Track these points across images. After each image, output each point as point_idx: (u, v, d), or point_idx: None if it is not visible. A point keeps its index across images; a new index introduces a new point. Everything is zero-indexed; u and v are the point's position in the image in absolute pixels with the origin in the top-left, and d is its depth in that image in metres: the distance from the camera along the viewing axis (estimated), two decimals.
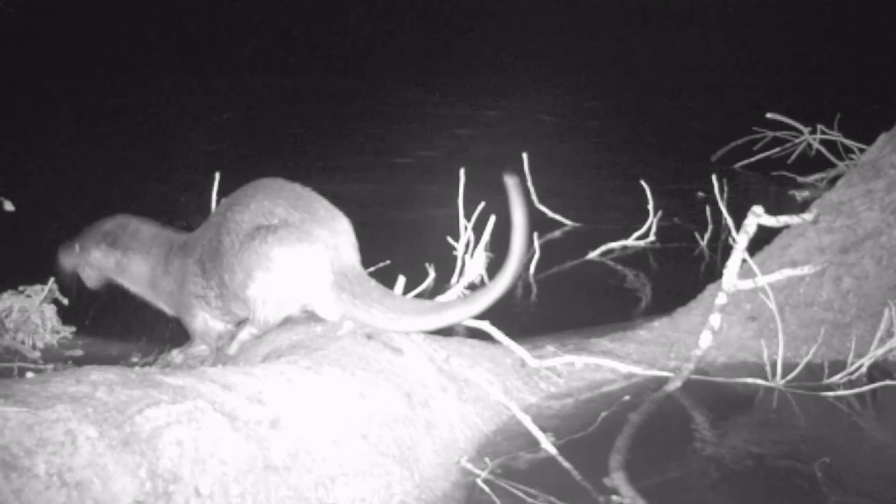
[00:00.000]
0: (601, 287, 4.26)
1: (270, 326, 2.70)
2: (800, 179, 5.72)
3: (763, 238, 3.44)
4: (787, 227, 3.47)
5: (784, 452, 2.70)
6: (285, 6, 12.19)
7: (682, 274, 4.38)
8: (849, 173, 3.80)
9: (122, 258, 2.90)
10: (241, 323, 2.81)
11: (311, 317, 2.73)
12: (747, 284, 3.19)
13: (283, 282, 2.62)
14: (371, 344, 2.63)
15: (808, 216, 3.42)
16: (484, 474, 2.46)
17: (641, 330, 3.35)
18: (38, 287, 3.27)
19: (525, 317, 3.92)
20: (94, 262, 2.94)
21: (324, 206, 2.71)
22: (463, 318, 2.74)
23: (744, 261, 3.22)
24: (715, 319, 3.14)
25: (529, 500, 2.38)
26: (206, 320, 2.83)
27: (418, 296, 3.32)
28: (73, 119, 7.20)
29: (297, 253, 2.60)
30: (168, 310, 2.95)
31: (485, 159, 5.48)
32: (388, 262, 3.56)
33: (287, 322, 2.72)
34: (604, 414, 2.81)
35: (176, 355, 2.90)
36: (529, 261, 4.27)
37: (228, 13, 11.83)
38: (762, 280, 3.19)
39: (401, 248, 4.00)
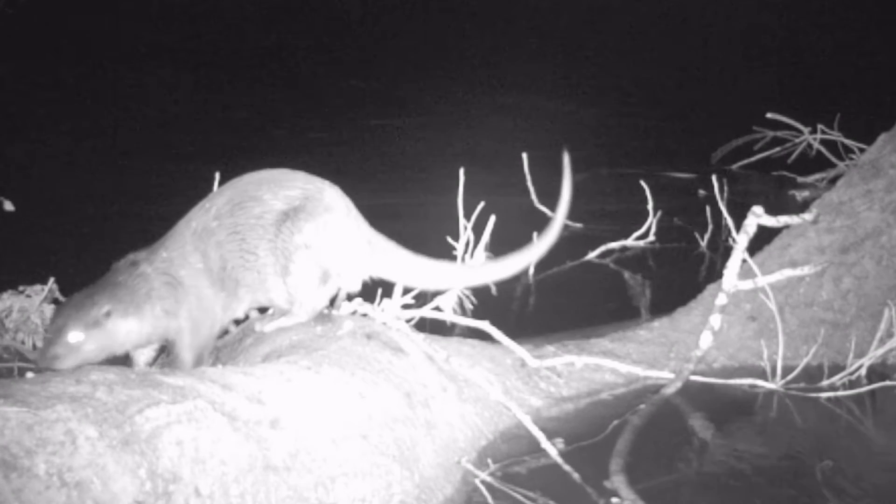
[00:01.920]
0: (601, 287, 4.26)
1: (316, 310, 2.69)
2: (800, 179, 5.71)
3: (763, 238, 3.44)
4: (787, 227, 3.47)
5: (784, 454, 2.71)
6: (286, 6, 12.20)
7: (682, 274, 4.37)
8: (849, 173, 3.80)
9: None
10: (263, 313, 2.80)
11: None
12: (747, 285, 3.19)
13: (324, 253, 2.63)
14: (371, 344, 2.63)
15: (808, 216, 3.42)
16: (484, 475, 2.46)
17: (641, 330, 3.35)
18: (38, 287, 3.26)
19: (525, 317, 3.91)
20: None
21: (320, 179, 2.76)
22: (489, 280, 2.95)
23: (744, 261, 3.22)
24: (715, 320, 3.14)
25: (529, 502, 2.38)
26: (219, 327, 2.78)
27: (416, 296, 3.32)
28: (73, 118, 7.19)
29: (330, 221, 2.64)
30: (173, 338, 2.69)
31: (484, 159, 5.48)
32: None
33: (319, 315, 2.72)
34: (615, 422, 2.80)
35: None
36: None
37: (230, 12, 11.84)
38: (762, 280, 3.19)
39: None
